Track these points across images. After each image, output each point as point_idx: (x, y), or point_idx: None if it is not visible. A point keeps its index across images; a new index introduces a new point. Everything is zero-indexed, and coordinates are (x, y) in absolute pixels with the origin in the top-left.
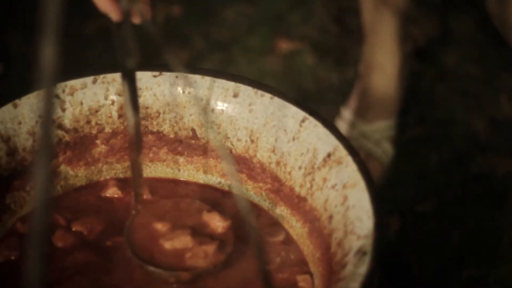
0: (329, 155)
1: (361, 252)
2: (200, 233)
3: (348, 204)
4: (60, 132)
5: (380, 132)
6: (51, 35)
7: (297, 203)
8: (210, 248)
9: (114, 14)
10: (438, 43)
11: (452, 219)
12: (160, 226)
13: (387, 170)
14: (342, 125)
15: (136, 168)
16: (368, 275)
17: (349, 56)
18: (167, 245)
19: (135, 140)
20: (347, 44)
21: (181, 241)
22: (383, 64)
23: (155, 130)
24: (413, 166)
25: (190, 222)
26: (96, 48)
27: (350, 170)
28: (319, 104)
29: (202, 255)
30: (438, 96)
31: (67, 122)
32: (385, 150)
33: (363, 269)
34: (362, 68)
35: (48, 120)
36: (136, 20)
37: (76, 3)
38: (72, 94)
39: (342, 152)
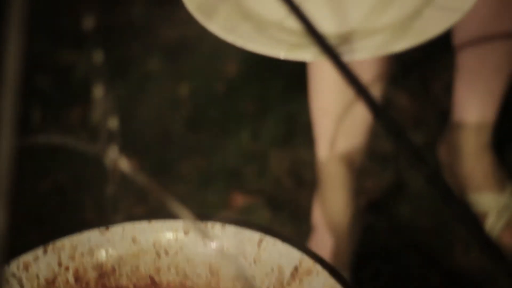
0: (296, 269)
1: None
2: None
3: None
4: None
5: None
6: (2, 201)
7: None
8: None
9: None
10: (392, 196)
11: None
12: None
13: None
14: None
15: None
16: None
17: (303, 208)
18: None
19: None
20: (300, 196)
21: None
22: (335, 216)
23: (113, 286)
24: None
25: None
26: (51, 205)
27: (322, 277)
28: None
29: None
30: (392, 250)
31: None
32: None
33: None
34: (315, 220)
35: None
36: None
37: (31, 159)
38: (26, 269)
39: (308, 262)
